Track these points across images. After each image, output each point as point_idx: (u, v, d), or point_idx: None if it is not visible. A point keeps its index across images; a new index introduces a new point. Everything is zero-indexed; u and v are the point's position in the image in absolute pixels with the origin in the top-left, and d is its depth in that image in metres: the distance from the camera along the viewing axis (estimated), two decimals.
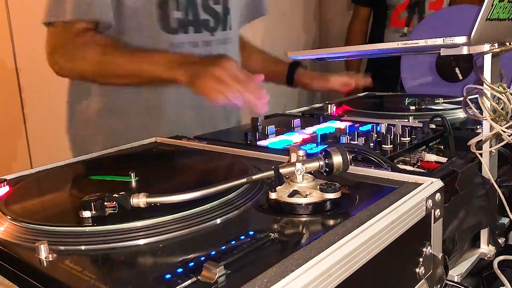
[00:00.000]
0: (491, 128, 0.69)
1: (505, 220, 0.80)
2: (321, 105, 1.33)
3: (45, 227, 0.49)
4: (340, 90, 1.29)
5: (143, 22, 1.02)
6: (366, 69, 2.28)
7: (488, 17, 0.54)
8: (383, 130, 0.88)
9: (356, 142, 0.81)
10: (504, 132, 0.68)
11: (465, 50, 0.58)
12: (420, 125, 0.94)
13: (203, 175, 0.67)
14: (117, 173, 0.64)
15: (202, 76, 0.86)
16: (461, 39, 0.55)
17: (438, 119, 0.92)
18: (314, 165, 0.55)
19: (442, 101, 1.10)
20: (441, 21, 1.39)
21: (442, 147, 0.88)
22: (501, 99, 0.69)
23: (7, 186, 0.64)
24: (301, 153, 0.55)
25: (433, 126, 0.94)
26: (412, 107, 1.13)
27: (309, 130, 0.96)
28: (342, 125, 0.98)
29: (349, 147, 0.65)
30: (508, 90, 0.70)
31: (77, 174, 0.70)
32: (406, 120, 1.03)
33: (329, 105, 1.21)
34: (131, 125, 1.10)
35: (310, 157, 0.57)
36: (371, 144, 0.81)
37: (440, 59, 1.35)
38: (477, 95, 0.70)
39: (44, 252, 0.44)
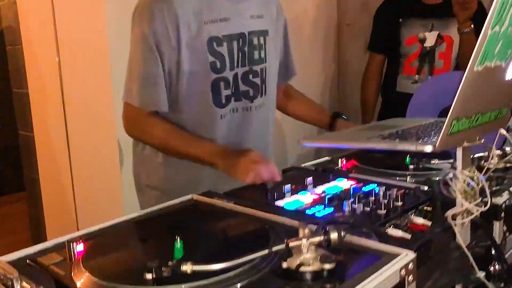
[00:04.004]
0: (463, 204, 0.86)
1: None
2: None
3: (119, 285, 0.68)
4: None
5: (199, 102, 1.32)
6: (380, 112, 2.46)
7: (449, 132, 0.72)
8: (381, 194, 1.06)
9: (355, 206, 0.99)
10: (473, 208, 0.85)
11: (438, 149, 0.76)
12: (414, 186, 1.11)
13: (234, 239, 0.86)
14: (161, 235, 0.83)
15: (235, 166, 1.19)
16: (429, 148, 0.73)
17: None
18: (316, 239, 0.73)
19: (437, 162, 1.27)
20: (445, 83, 1.55)
21: (431, 208, 1.05)
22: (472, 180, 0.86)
23: (82, 243, 0.84)
24: (306, 230, 0.73)
25: (425, 188, 1.11)
26: (411, 166, 1.30)
27: (319, 189, 1.14)
28: (348, 184, 1.16)
29: (347, 222, 0.83)
30: (476, 174, 0.87)
31: (133, 234, 0.89)
32: (405, 179, 1.21)
33: (339, 159, 1.39)
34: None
35: (316, 222, 0.75)
36: (368, 209, 0.98)
37: (442, 113, 1.51)
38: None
39: None
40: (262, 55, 1.40)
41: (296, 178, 1.24)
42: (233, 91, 1.34)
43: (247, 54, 1.35)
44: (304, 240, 0.72)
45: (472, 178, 0.86)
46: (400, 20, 2.28)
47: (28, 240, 2.95)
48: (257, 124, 1.43)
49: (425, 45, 2.23)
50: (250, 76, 1.37)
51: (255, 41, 1.37)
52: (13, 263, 0.80)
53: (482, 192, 0.91)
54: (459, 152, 0.84)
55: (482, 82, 0.70)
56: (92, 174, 2.21)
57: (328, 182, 1.20)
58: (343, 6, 2.87)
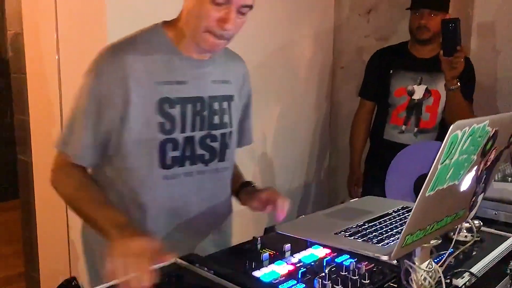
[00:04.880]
0: None
1: None
2: None
3: None
4: (262, 209, 1.44)
5: (144, 161, 1.30)
6: (367, 156, 2.54)
7: (402, 245, 0.80)
8: (351, 269, 1.13)
9: (326, 283, 1.07)
10: None
11: (392, 259, 0.84)
12: (386, 258, 1.19)
13: None
14: None
15: (113, 247, 1.09)
16: (385, 258, 0.81)
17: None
18: None
19: None
20: (430, 151, 1.64)
21: (396, 286, 1.13)
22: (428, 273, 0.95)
23: None
24: None
25: (394, 262, 1.19)
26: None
27: (296, 258, 1.22)
28: (323, 253, 1.24)
29: None
30: (433, 268, 0.95)
31: None
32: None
33: None
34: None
35: None
36: (337, 287, 1.06)
37: (416, 182, 1.60)
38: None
39: None
40: (226, 119, 1.41)
41: (275, 242, 1.32)
42: (186, 154, 1.34)
43: (206, 118, 1.36)
44: None
45: (429, 273, 0.94)
46: (391, 71, 2.38)
47: (19, 252, 3.02)
48: (214, 187, 1.44)
49: (413, 97, 2.32)
50: (208, 140, 1.38)
51: (217, 106, 1.39)
52: None
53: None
54: (417, 249, 0.92)
55: (435, 202, 0.78)
56: None
57: (305, 249, 1.28)
58: (339, 50, 2.96)
